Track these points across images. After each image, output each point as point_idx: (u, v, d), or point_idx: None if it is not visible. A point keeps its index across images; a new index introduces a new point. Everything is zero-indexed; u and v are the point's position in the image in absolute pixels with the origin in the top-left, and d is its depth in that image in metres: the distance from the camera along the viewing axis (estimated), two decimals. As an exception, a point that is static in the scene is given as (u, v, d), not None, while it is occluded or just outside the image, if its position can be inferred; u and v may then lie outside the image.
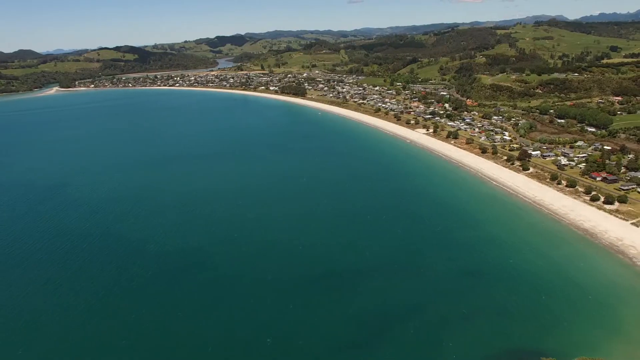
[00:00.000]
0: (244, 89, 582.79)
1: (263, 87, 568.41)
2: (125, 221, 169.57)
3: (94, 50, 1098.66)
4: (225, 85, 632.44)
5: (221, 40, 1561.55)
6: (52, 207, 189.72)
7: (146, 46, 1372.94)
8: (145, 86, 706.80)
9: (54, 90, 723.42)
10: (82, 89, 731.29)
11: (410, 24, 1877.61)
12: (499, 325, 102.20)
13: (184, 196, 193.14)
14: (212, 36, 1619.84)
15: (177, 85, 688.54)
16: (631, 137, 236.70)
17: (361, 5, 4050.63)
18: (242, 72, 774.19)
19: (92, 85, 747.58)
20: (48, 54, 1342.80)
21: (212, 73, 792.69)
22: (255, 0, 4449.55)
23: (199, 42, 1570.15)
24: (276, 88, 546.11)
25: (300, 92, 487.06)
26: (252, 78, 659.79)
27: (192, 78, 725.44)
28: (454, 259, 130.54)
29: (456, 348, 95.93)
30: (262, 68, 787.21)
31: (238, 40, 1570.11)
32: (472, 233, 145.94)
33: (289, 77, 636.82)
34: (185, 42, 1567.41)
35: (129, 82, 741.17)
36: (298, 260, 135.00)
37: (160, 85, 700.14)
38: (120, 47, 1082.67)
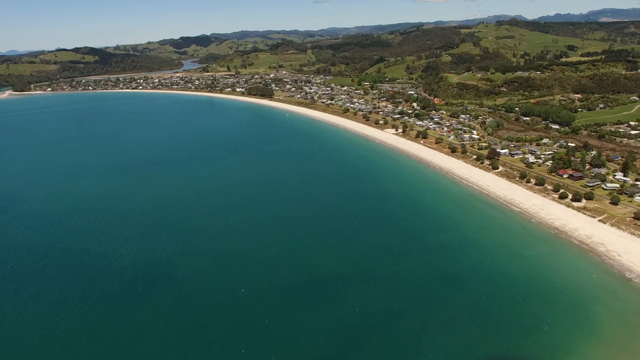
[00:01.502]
0: (209, 91, 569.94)
1: (229, 89, 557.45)
2: (84, 235, 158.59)
3: (51, 51, 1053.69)
4: (190, 88, 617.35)
5: (186, 41, 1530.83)
6: (4, 222, 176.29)
7: (107, 47, 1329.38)
8: (107, 89, 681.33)
9: (6, 94, 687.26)
10: (37, 92, 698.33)
11: (376, 23, 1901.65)
12: (478, 331, 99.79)
13: (147, 205, 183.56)
14: (176, 37, 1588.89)
15: (140, 88, 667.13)
16: (592, 133, 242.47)
17: (327, 5, 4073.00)
18: (208, 73, 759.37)
19: (49, 89, 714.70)
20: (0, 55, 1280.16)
21: (177, 75, 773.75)
22: (220, 0, 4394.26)
23: (163, 43, 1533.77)
24: (243, 89, 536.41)
25: (267, 93, 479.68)
26: (218, 79, 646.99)
27: (156, 80, 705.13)
28: (431, 263, 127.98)
29: (436, 357, 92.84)
30: (229, 69, 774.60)
31: (203, 41, 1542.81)
32: (447, 235, 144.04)
33: (256, 78, 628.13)
34: (149, 43, 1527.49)
35: (90, 85, 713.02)
36: (271, 270, 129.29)
37: (122, 88, 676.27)
38: (80, 48, 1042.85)
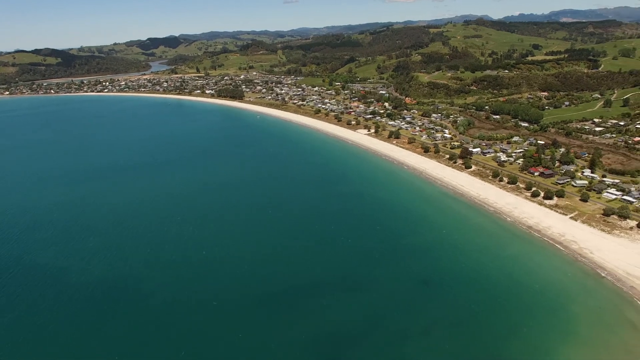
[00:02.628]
0: (178, 93, 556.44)
1: (199, 91, 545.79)
2: (46, 249, 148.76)
3: (9, 53, 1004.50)
4: (158, 90, 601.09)
5: (154, 42, 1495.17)
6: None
7: (71, 49, 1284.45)
8: (70, 92, 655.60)
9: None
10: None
11: (347, 23, 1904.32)
12: (458, 336, 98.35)
13: (113, 215, 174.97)
14: (143, 38, 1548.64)
15: (106, 90, 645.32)
16: (560, 130, 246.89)
17: (297, 5, 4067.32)
18: (177, 75, 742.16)
19: (7, 93, 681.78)
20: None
21: (145, 77, 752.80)
22: (189, 0, 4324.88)
23: (129, 44, 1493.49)
24: (212, 91, 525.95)
25: (237, 95, 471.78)
26: (187, 81, 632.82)
27: (123, 83, 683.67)
28: (409, 267, 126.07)
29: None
30: (198, 71, 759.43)
31: (172, 42, 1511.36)
32: (423, 237, 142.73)
33: (226, 80, 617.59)
34: (115, 44, 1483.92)
35: (52, 89, 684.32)
36: (245, 279, 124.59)
37: (87, 92, 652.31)
38: (41, 49, 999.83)
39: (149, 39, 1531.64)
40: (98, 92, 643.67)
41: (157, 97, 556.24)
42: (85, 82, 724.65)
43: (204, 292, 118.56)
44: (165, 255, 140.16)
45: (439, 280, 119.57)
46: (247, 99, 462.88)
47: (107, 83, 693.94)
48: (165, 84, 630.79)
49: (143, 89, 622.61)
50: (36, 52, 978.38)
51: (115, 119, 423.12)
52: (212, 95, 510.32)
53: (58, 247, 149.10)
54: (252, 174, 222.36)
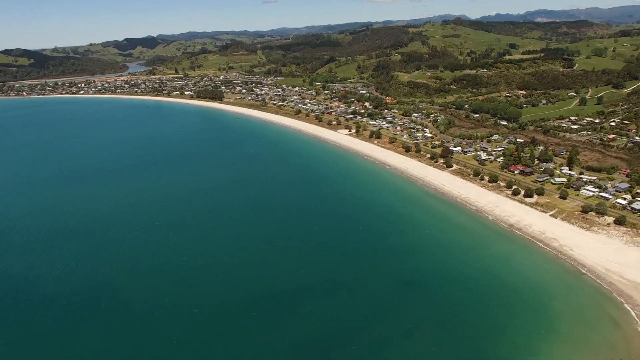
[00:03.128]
0: (157, 95, 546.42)
1: (177, 92, 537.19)
2: (19, 258, 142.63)
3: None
4: (136, 92, 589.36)
5: (131, 43, 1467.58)
6: None
7: (44, 49, 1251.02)
8: (44, 94, 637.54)
9: None
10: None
11: (326, 23, 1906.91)
12: (443, 338, 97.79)
13: (89, 221, 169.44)
14: (120, 38, 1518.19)
15: (81, 92, 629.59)
16: (538, 129, 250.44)
17: (276, 5, 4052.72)
18: (155, 76, 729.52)
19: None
20: None
21: (122, 78, 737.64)
22: (167, 0, 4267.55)
23: (106, 44, 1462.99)
24: (191, 92, 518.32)
25: (217, 96, 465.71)
26: (166, 82, 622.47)
27: (99, 84, 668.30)
28: (391, 269, 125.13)
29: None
30: (176, 71, 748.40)
31: (150, 42, 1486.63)
32: (406, 237, 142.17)
33: (205, 81, 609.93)
34: (91, 44, 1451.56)
35: (24, 90, 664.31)
36: (226, 285, 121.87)
37: (62, 94, 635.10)
38: (12, 50, 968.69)
39: (126, 39, 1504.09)
40: (73, 94, 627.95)
41: (135, 98, 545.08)
42: (59, 83, 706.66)
43: (185, 299, 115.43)
44: (144, 261, 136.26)
45: (423, 280, 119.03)
46: (227, 99, 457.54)
47: (83, 85, 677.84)
48: (143, 85, 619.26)
49: (120, 91, 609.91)
50: (7, 52, 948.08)
51: (91, 122, 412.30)
52: (191, 97, 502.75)
53: (33, 255, 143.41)
54: (233, 176, 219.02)
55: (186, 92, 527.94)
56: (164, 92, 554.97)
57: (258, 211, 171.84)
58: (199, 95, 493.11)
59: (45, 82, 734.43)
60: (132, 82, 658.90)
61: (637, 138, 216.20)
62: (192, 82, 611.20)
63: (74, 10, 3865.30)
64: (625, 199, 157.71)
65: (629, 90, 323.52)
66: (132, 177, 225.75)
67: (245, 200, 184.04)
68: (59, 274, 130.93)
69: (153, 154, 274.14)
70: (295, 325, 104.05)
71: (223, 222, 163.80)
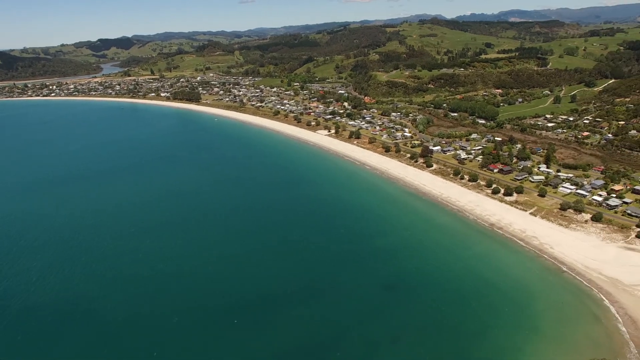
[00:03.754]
0: (132, 97, 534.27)
1: (153, 94, 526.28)
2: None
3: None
4: (110, 94, 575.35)
5: (105, 44, 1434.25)
6: None
7: (12, 50, 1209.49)
8: (13, 97, 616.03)
9: None
10: None
11: (304, 23, 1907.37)
12: (428, 341, 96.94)
13: (60, 228, 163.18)
14: (94, 39, 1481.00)
15: (53, 95, 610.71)
16: (515, 127, 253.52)
17: (253, 5, 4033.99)
18: (130, 77, 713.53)
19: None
20: None
21: (95, 80, 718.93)
22: (142, 0, 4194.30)
23: (78, 45, 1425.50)
24: (168, 94, 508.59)
25: (194, 98, 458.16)
26: (141, 84, 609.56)
27: (72, 86, 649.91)
28: (374, 272, 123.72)
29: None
30: (152, 73, 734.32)
31: (124, 43, 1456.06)
32: (389, 239, 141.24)
33: (182, 82, 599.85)
34: (63, 45, 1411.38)
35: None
36: (205, 293, 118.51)
37: (32, 96, 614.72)
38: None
39: (99, 40, 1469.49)
40: (44, 96, 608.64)
41: (109, 100, 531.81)
42: (29, 85, 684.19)
43: (164, 308, 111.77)
44: (121, 269, 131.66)
45: (406, 283, 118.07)
46: (204, 101, 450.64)
47: (54, 87, 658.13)
48: (117, 87, 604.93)
49: (94, 93, 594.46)
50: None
51: (64, 125, 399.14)
52: (167, 98, 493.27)
53: (1, 266, 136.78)
54: (211, 179, 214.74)
55: (162, 94, 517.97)
56: (139, 94, 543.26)
57: (237, 215, 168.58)
58: (175, 97, 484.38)
59: (14, 84, 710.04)
60: (107, 84, 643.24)
61: (610, 135, 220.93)
62: (169, 83, 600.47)
63: (45, 10, 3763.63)
64: (600, 195, 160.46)
65: (600, 88, 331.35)
66: (107, 182, 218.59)
67: (224, 204, 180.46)
68: (30, 286, 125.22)
69: (129, 157, 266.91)
70: (279, 332, 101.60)
71: (202, 226, 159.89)
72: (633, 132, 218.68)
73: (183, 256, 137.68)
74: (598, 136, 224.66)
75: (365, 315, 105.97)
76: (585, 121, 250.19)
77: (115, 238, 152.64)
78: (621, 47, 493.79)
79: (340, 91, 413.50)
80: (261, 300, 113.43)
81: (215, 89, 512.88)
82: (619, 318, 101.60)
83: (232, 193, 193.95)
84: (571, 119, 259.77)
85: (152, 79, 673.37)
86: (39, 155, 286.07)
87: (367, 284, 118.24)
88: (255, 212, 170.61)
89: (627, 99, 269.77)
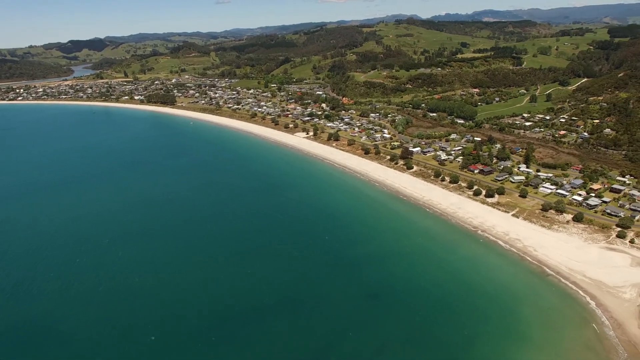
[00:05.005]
0: (105, 100, 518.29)
1: (127, 97, 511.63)
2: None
3: None
4: (82, 97, 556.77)
5: (76, 45, 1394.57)
6: None
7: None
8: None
9: None
10: None
11: (280, 23, 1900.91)
12: (415, 353, 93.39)
13: (22, 242, 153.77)
14: (64, 40, 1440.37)
15: (20, 98, 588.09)
16: (494, 126, 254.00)
17: (229, 6, 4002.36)
18: (103, 80, 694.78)
19: None
20: None
21: (66, 83, 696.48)
22: (116, 1, 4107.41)
23: (48, 47, 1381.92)
24: (142, 97, 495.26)
25: (169, 101, 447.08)
26: (114, 87, 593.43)
27: (41, 90, 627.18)
28: (357, 280, 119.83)
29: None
30: (126, 75, 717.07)
31: (97, 44, 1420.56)
32: (372, 245, 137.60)
33: (156, 84, 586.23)
34: (31, 47, 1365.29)
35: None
36: (186, 307, 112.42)
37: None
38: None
39: (70, 41, 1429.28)
40: (10, 100, 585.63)
41: (80, 104, 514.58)
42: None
43: (139, 327, 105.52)
44: (90, 286, 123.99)
45: (391, 291, 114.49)
46: (180, 104, 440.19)
47: (22, 90, 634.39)
48: (89, 90, 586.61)
49: (64, 96, 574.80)
50: None
51: (32, 130, 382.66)
52: (141, 102, 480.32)
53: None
54: (187, 185, 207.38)
55: (136, 97, 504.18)
56: (112, 97, 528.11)
57: (214, 223, 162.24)
58: (149, 100, 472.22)
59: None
60: (78, 87, 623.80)
61: (586, 134, 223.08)
62: (143, 86, 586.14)
63: (12, 10, 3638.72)
64: (580, 195, 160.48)
65: (573, 87, 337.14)
66: (76, 190, 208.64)
67: (200, 212, 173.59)
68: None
69: (99, 164, 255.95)
70: (260, 348, 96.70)
71: (177, 236, 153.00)
72: (607, 130, 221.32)
73: (158, 269, 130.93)
74: (574, 135, 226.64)
75: (350, 327, 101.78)
76: (561, 120, 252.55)
77: (85, 251, 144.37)
78: (591, 47, 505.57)
79: (318, 92, 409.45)
80: (241, 314, 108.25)
81: (191, 92, 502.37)
82: (605, 322, 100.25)
83: (207, 200, 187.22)
84: (548, 117, 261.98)
85: (126, 81, 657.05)
86: (3, 162, 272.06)
87: (351, 294, 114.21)
88: (232, 219, 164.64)
89: (600, 98, 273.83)
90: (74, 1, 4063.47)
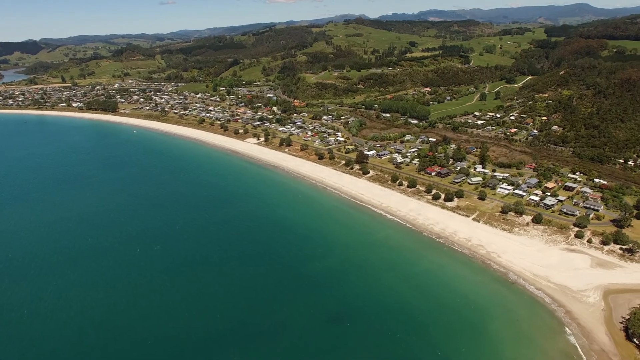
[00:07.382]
0: (38, 108, 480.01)
1: (64, 104, 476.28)
2: None
3: None
4: (11, 105, 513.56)
5: (6, 48, 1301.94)
6: None
7: None
8: None
9: None
10: None
11: (229, 24, 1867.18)
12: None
13: None
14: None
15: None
16: (447, 126, 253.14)
17: (174, 7, 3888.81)
18: (37, 86, 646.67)
19: None
20: None
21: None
22: (52, 1, 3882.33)
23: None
24: (81, 104, 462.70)
25: (111, 107, 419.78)
26: (50, 93, 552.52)
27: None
28: (317, 302, 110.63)
29: None
30: (64, 80, 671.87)
31: (30, 47, 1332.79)
32: (329, 260, 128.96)
33: (98, 90, 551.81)
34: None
35: None
36: (123, 344, 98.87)
37: None
38: None
39: (0, 43, 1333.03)
40: None
41: (10, 113, 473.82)
42: None
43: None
44: (16, 322, 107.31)
45: (355, 311, 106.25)
46: (123, 110, 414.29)
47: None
48: (21, 97, 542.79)
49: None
50: None
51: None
52: (80, 109, 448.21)
53: None
54: (127, 201, 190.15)
55: (74, 104, 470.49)
56: (47, 104, 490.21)
57: (158, 242, 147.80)
58: (89, 107, 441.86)
59: None
60: (7, 94, 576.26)
61: (535, 131, 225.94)
62: (82, 92, 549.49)
63: None
64: (537, 195, 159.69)
65: (520, 84, 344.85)
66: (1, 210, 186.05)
67: (143, 230, 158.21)
68: None
69: (31, 180, 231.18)
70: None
71: (115, 259, 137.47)
72: (555, 127, 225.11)
73: (93, 299, 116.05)
74: (525, 132, 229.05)
75: (313, 356, 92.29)
76: (511, 117, 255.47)
77: (12, 280, 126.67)
78: (532, 46, 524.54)
79: (268, 95, 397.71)
80: (191, 347, 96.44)
81: (135, 97, 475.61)
82: (575, 330, 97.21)
83: (152, 217, 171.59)
84: (498, 115, 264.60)
85: (63, 87, 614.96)
86: None
87: (311, 317, 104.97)
88: (179, 238, 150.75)
89: (545, 95, 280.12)
90: (5, 1, 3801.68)
